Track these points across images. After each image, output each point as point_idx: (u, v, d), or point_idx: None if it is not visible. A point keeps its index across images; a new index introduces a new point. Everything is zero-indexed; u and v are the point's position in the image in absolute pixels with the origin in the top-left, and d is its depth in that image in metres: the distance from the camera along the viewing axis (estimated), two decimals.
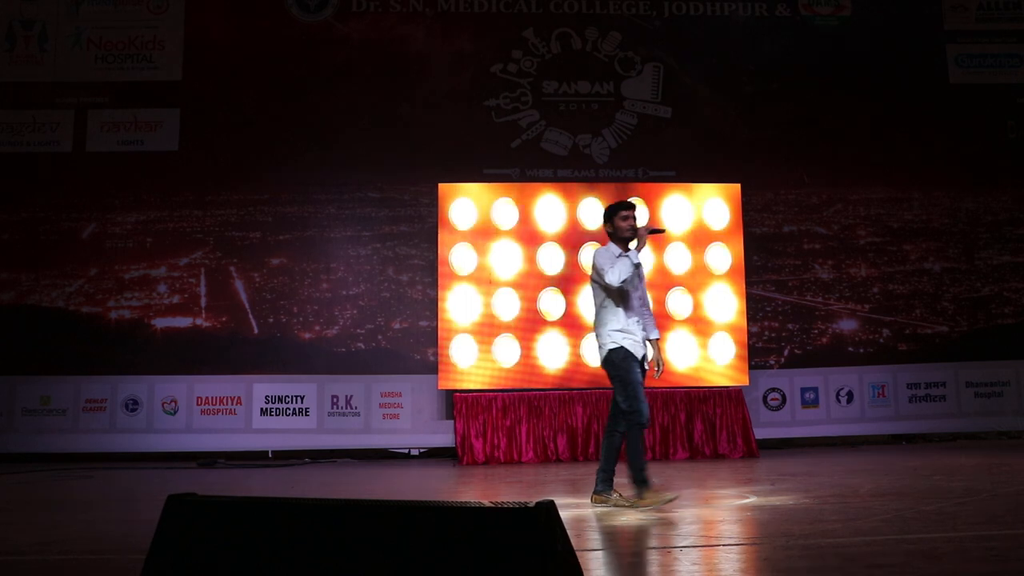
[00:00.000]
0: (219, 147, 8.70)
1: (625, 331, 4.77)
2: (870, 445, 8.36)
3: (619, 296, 4.80)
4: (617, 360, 4.75)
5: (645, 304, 4.94)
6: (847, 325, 8.78)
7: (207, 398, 8.18)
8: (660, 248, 7.95)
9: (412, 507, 2.03)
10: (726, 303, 7.89)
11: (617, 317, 4.79)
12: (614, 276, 4.68)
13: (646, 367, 4.81)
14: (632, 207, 4.93)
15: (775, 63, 9.05)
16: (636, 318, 4.81)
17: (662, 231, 5.36)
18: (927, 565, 3.05)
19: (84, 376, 8.17)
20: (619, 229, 4.84)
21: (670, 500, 4.56)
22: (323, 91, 8.80)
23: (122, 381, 8.19)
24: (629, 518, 4.48)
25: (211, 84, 8.83)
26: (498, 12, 9.04)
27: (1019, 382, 8.59)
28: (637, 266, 4.79)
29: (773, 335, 8.67)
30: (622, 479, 4.74)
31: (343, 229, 8.64)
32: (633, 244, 4.84)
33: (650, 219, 5.17)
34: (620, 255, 4.76)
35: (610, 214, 4.91)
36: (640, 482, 4.59)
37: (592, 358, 7.79)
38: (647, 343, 4.85)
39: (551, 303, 7.82)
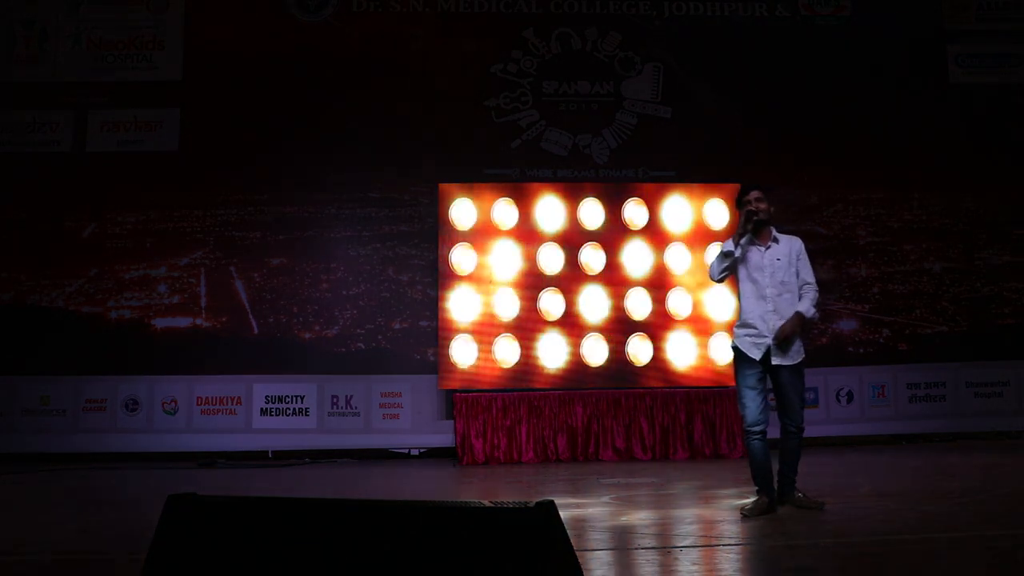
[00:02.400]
0: (219, 147, 8.69)
1: (745, 325, 4.60)
2: (870, 445, 8.35)
3: (741, 288, 4.66)
4: (734, 360, 4.66)
5: (786, 292, 4.58)
6: (847, 325, 8.77)
7: (207, 398, 8.18)
8: (660, 248, 7.95)
9: (412, 507, 2.03)
10: (726, 303, 7.89)
11: (740, 311, 4.69)
12: (710, 271, 4.69)
13: (774, 360, 4.50)
14: (753, 189, 4.70)
15: (775, 63, 9.04)
16: (763, 311, 4.54)
17: (755, 213, 4.62)
18: (927, 565, 3.05)
19: (84, 376, 8.16)
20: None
21: (750, 512, 4.40)
22: (323, 91, 8.79)
23: (122, 381, 8.18)
24: (629, 518, 4.49)
25: (211, 84, 8.82)
26: (498, 12, 9.03)
27: (1019, 382, 8.58)
28: (727, 254, 4.56)
29: None
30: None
31: (343, 229, 8.64)
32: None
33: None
34: (727, 247, 4.61)
35: (737, 198, 4.77)
36: (757, 486, 4.54)
37: (592, 358, 7.79)
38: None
39: (551, 303, 7.82)
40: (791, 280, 4.59)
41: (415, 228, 8.61)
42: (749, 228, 4.60)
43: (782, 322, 4.50)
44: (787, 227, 8.94)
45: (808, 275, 4.64)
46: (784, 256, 4.62)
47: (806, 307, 4.52)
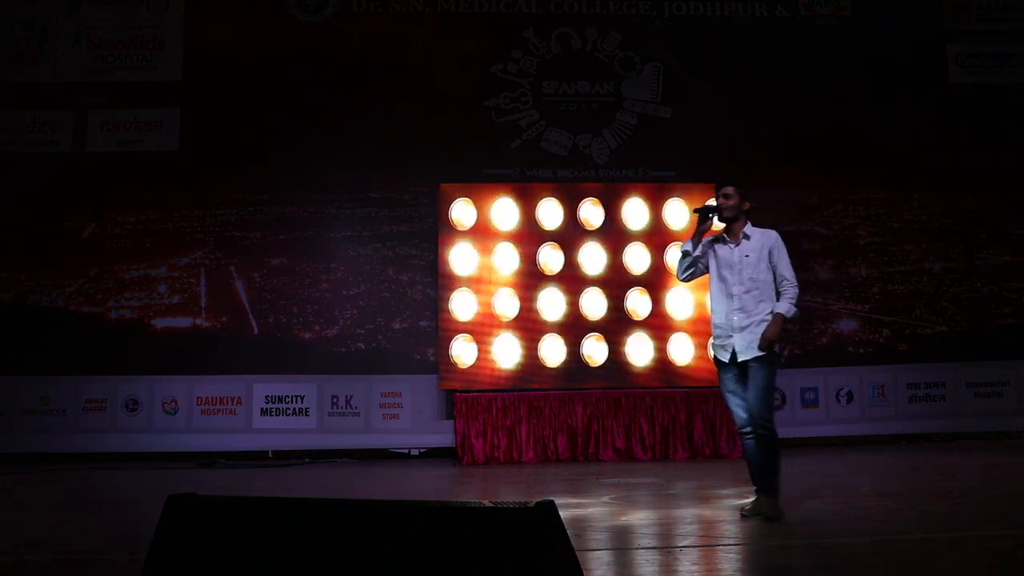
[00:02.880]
0: (219, 147, 8.69)
1: (717, 327, 4.49)
2: (870, 445, 8.35)
3: (711, 287, 4.53)
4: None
5: (754, 289, 4.40)
6: (847, 325, 8.77)
7: (207, 398, 8.18)
8: (660, 248, 7.94)
9: (412, 507, 2.03)
10: None
11: (711, 310, 4.57)
12: (676, 271, 4.62)
13: (740, 357, 4.35)
14: (723, 184, 4.54)
15: (775, 63, 9.04)
16: (728, 310, 4.40)
17: (697, 210, 4.57)
18: (927, 565, 3.05)
19: (84, 376, 8.16)
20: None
21: (749, 512, 4.33)
22: (323, 91, 8.78)
23: (122, 381, 8.18)
24: (629, 518, 4.49)
25: (211, 84, 8.82)
26: (498, 12, 9.03)
27: (1019, 382, 8.58)
28: (685, 254, 4.54)
29: None
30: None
31: (343, 229, 8.64)
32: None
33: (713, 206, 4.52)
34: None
35: None
36: (755, 485, 4.47)
37: (592, 358, 7.78)
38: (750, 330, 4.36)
39: (551, 303, 7.81)
40: (761, 277, 4.40)
41: (415, 228, 8.61)
42: (706, 227, 4.51)
43: (747, 321, 4.35)
44: (787, 227, 8.99)
45: (786, 270, 4.42)
46: (754, 252, 4.42)
47: (786, 307, 4.33)
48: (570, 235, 7.94)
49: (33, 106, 8.70)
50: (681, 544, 3.66)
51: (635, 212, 8.01)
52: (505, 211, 7.92)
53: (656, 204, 8.01)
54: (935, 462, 6.77)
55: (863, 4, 9.21)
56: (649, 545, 3.65)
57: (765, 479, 4.34)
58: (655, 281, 7.91)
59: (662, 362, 7.80)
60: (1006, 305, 8.88)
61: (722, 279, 4.46)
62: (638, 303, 7.87)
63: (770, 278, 4.44)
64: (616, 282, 7.89)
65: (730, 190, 4.48)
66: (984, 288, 8.90)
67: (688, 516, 4.63)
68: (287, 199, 8.64)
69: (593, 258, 7.90)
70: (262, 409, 8.17)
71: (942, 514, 4.21)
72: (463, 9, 9.01)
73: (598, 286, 7.86)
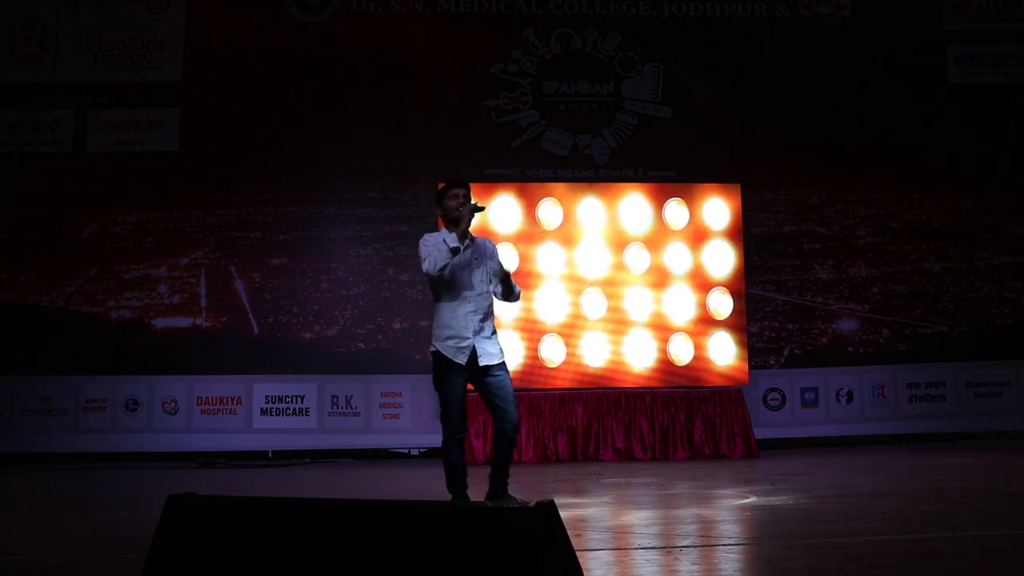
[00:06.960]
0: (219, 147, 8.70)
1: (449, 327, 4.31)
2: (870, 445, 8.36)
3: (445, 287, 4.31)
4: (433, 367, 4.45)
5: (486, 292, 4.38)
6: (847, 325, 8.78)
7: (207, 398, 8.18)
8: (660, 247, 7.94)
9: (412, 507, 2.03)
10: (726, 303, 7.89)
11: (440, 313, 4.34)
12: (429, 264, 4.23)
13: (481, 364, 4.32)
14: (461, 184, 4.39)
15: (775, 63, 9.05)
16: (465, 315, 4.30)
17: (481, 208, 4.39)
18: (927, 565, 3.05)
19: (84, 376, 8.17)
20: (447, 209, 4.35)
21: None
22: (323, 91, 8.79)
23: (122, 381, 8.19)
24: (629, 518, 4.49)
25: (211, 84, 8.83)
26: (498, 12, 9.04)
27: (1019, 382, 8.58)
28: (455, 250, 4.24)
29: (773, 335, 8.67)
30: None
31: (343, 229, 8.64)
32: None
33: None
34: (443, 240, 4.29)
35: (440, 196, 4.42)
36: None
37: (592, 358, 7.78)
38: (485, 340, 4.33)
39: (551, 303, 7.81)
40: (487, 280, 4.43)
41: (415, 228, 8.60)
42: (466, 225, 4.31)
43: (484, 324, 4.41)
44: (787, 227, 9.03)
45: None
46: (482, 254, 4.43)
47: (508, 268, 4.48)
48: (570, 235, 7.93)
49: (33, 106, 8.71)
50: (681, 544, 3.65)
51: (635, 212, 8.00)
52: (505, 211, 7.91)
53: (656, 204, 8.01)
54: (935, 462, 6.77)
55: (863, 4, 9.22)
56: (649, 545, 3.65)
57: (501, 481, 4.39)
58: (656, 281, 7.91)
59: (662, 362, 7.80)
60: (1006, 305, 8.88)
61: (453, 280, 4.30)
62: (638, 303, 7.87)
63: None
64: (616, 282, 7.89)
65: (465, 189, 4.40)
66: (984, 288, 8.90)
67: (688, 516, 4.62)
68: (287, 199, 8.65)
69: (593, 258, 7.90)
70: (262, 409, 8.18)
71: (942, 514, 4.21)
72: (463, 9, 9.02)
73: (598, 286, 7.86)
